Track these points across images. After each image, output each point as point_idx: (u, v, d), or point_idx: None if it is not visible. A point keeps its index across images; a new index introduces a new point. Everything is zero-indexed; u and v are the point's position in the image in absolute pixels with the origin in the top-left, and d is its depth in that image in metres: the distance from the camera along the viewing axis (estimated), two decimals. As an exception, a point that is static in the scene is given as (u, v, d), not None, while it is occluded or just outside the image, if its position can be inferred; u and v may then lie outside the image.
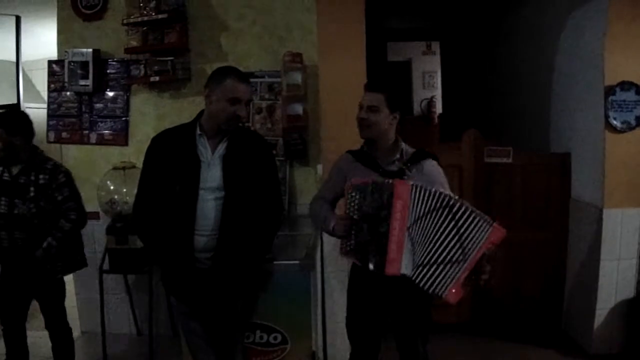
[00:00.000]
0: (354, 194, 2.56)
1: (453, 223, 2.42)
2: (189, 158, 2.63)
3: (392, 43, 8.77)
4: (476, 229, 2.40)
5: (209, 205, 2.62)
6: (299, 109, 4.11)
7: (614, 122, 3.86)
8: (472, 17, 7.05)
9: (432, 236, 2.46)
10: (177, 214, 2.60)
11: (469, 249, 2.40)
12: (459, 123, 6.29)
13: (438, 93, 9.14)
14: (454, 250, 2.42)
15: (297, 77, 4.09)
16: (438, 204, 2.45)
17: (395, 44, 8.84)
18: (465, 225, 2.41)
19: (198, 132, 2.68)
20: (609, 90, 3.85)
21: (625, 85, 3.84)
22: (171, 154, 2.65)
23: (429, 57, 9.30)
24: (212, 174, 2.63)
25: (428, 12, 7.39)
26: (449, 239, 2.43)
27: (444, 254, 2.44)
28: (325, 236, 3.85)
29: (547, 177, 4.44)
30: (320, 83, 4.08)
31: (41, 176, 3.36)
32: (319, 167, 4.12)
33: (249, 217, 2.67)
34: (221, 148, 2.67)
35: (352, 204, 2.57)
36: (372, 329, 2.88)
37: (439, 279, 2.44)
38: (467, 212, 2.40)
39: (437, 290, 2.45)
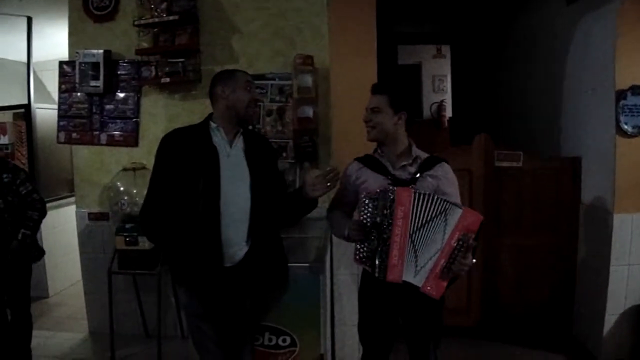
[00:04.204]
0: (367, 202, 2.57)
1: (444, 224, 2.47)
2: (207, 150, 2.67)
3: (403, 46, 8.75)
4: (451, 216, 2.46)
5: (232, 194, 2.65)
6: (309, 111, 4.11)
7: (625, 126, 3.84)
8: (482, 21, 7.03)
9: (428, 242, 2.49)
10: (200, 208, 2.61)
11: (444, 237, 2.46)
12: (469, 127, 6.28)
13: (448, 96, 9.12)
14: (437, 245, 2.48)
15: (308, 80, 4.09)
16: (438, 211, 2.47)
17: (406, 47, 8.81)
18: (448, 219, 2.46)
19: (214, 125, 2.74)
20: (620, 95, 3.82)
21: (636, 90, 3.81)
22: (186, 149, 2.67)
23: (439, 60, 9.27)
24: (233, 165, 2.69)
25: (439, 16, 7.38)
26: (437, 237, 2.48)
27: (432, 252, 2.49)
28: (335, 239, 3.85)
29: (557, 182, 4.42)
30: (331, 85, 4.09)
31: (4, 175, 3.63)
32: (329, 170, 4.11)
33: (275, 203, 2.80)
34: (239, 141, 2.75)
35: (365, 212, 2.57)
36: (384, 333, 2.87)
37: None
38: (451, 207, 2.47)
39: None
